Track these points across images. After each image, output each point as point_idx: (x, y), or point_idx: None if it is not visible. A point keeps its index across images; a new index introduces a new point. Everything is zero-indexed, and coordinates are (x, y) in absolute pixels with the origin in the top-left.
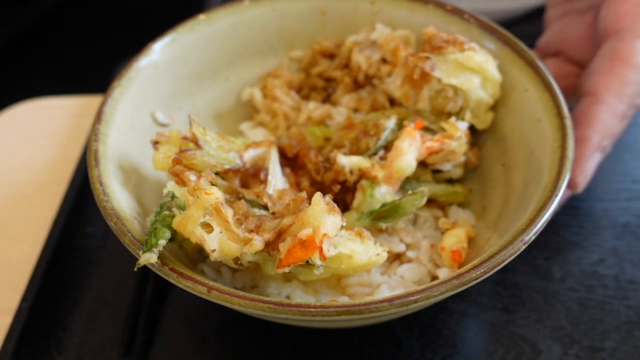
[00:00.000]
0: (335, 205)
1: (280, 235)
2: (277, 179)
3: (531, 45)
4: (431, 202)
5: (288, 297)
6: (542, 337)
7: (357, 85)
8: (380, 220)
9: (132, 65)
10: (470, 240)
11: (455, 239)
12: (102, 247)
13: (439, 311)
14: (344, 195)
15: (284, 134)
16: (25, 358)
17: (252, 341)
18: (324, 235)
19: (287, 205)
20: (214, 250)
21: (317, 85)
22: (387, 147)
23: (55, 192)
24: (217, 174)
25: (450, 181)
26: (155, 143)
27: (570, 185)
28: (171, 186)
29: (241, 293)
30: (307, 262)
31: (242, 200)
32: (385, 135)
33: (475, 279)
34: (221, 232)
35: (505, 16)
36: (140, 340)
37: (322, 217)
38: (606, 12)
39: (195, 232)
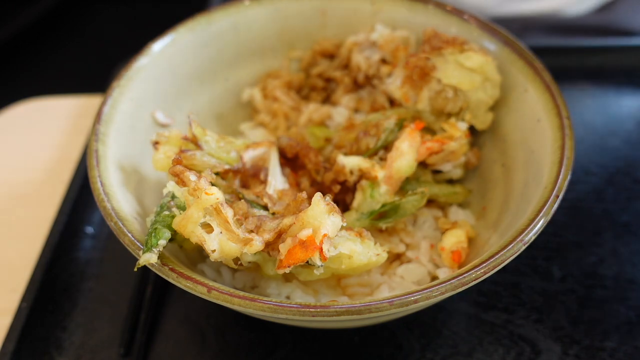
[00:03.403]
0: (335, 205)
1: (280, 235)
2: (277, 179)
3: None
4: (431, 202)
5: (288, 297)
6: (542, 337)
7: (357, 86)
8: (380, 221)
9: (132, 65)
10: (470, 240)
11: (455, 239)
12: (102, 247)
13: (439, 311)
14: (344, 196)
15: (284, 135)
16: (25, 358)
17: (252, 341)
18: (324, 235)
19: (287, 206)
20: (214, 251)
21: (317, 85)
22: (387, 147)
23: (55, 192)
24: (217, 174)
25: (451, 182)
26: (155, 143)
27: None
28: (171, 186)
29: (241, 293)
30: (307, 262)
31: (242, 201)
32: (385, 136)
33: (475, 279)
34: (221, 233)
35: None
36: (140, 340)
37: (322, 217)
38: None
39: (195, 233)
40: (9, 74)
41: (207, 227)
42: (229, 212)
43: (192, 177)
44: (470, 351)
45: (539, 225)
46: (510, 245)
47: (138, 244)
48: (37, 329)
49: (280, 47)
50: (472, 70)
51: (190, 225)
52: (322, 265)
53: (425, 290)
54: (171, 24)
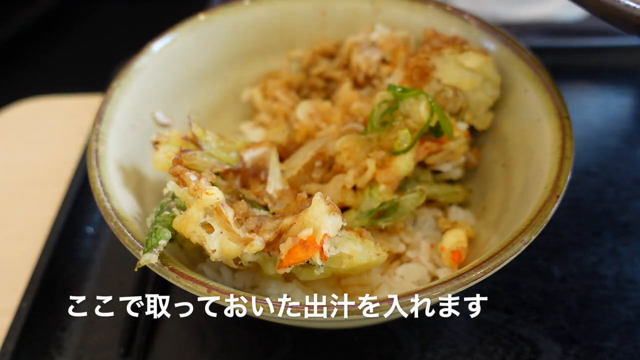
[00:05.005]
0: (335, 205)
1: (280, 235)
2: (277, 179)
3: None
4: (431, 202)
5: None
6: (542, 337)
7: (357, 86)
8: (379, 219)
9: (132, 65)
10: (470, 240)
11: (455, 239)
12: (102, 247)
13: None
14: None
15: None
16: (25, 358)
17: (252, 341)
18: (325, 235)
19: (288, 206)
20: (214, 251)
21: (317, 85)
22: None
23: (55, 192)
24: (217, 174)
25: (451, 182)
26: (156, 143)
27: None
28: (171, 186)
29: (241, 293)
30: (308, 262)
31: (243, 201)
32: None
33: (475, 279)
34: (222, 233)
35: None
36: (140, 340)
37: (323, 217)
38: None
39: (195, 233)
40: (8, 73)
41: (208, 227)
42: (229, 212)
43: (192, 177)
44: (470, 351)
45: (539, 225)
46: (510, 246)
47: (138, 244)
48: (37, 329)
49: (280, 47)
50: (472, 70)
51: (190, 225)
52: (322, 265)
53: (426, 291)
54: (171, 23)
